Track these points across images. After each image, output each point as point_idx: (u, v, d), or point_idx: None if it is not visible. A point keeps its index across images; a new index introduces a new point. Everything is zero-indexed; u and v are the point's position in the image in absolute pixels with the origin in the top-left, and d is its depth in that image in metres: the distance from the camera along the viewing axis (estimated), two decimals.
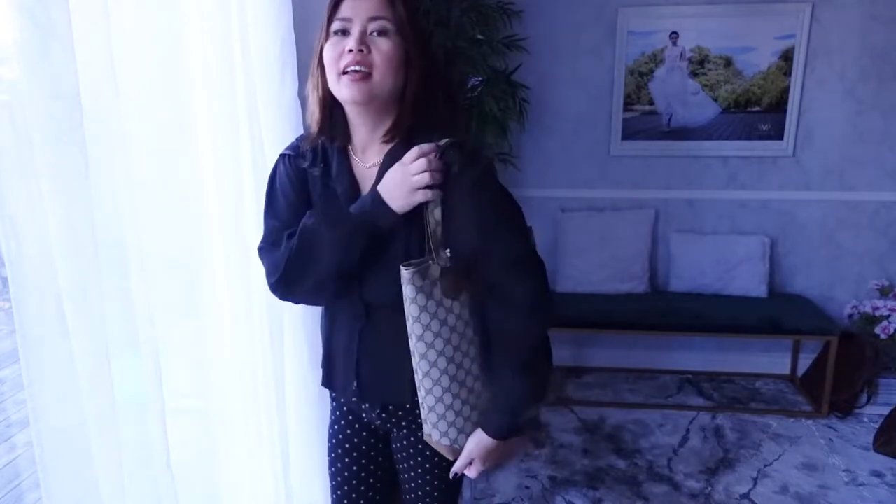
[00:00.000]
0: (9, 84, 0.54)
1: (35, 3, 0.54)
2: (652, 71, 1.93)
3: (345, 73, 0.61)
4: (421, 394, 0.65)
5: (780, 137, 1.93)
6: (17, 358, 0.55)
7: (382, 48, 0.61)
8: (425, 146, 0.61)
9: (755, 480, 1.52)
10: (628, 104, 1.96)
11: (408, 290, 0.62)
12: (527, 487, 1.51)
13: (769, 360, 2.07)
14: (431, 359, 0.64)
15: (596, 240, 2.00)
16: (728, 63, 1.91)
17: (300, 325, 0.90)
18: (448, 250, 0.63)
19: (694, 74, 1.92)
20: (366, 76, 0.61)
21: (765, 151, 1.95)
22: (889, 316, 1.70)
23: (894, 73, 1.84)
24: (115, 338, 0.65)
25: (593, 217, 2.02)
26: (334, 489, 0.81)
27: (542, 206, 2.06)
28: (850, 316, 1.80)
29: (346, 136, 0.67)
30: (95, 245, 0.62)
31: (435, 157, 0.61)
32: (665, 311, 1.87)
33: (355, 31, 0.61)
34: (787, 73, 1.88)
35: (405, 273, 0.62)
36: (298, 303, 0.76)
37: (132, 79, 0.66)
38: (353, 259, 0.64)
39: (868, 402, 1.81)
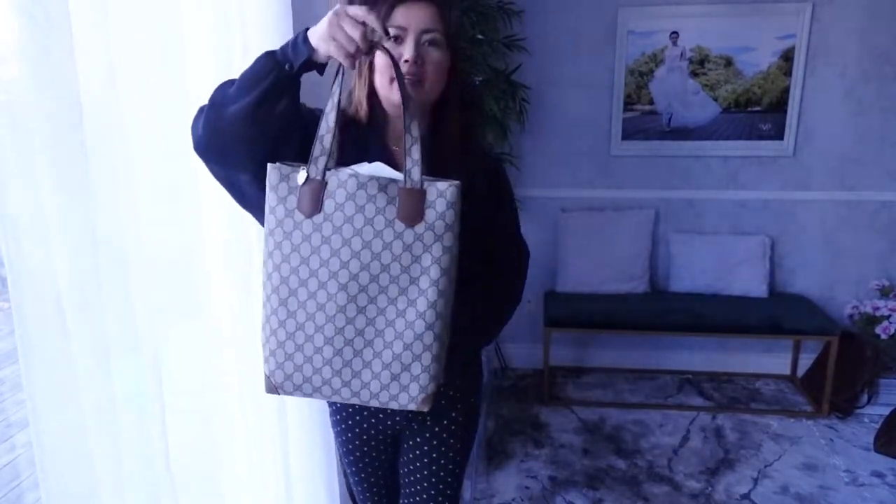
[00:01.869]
0: (8, 84, 0.54)
1: (34, 3, 0.54)
2: (652, 71, 1.93)
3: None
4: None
5: (781, 137, 1.93)
6: (16, 358, 0.55)
7: (434, 59, 0.65)
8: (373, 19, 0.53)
9: (755, 481, 1.52)
10: (628, 104, 1.96)
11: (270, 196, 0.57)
12: (527, 488, 1.51)
13: (769, 360, 2.07)
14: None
15: (596, 240, 1.99)
16: (728, 63, 1.91)
17: None
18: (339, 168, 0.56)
19: (694, 74, 1.92)
20: (417, 83, 0.65)
21: (765, 151, 1.95)
22: (889, 316, 1.70)
23: (895, 73, 1.84)
24: (114, 338, 0.64)
25: (593, 217, 2.01)
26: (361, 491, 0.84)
27: (543, 206, 2.06)
28: (851, 316, 1.80)
29: (385, 127, 0.69)
30: (95, 245, 0.62)
31: (376, 21, 0.53)
32: (665, 311, 1.87)
33: (410, 40, 0.64)
34: (788, 72, 1.88)
35: (269, 169, 0.56)
36: (215, 167, 0.63)
37: (132, 78, 0.66)
38: (257, 96, 0.55)
39: (868, 402, 1.81)
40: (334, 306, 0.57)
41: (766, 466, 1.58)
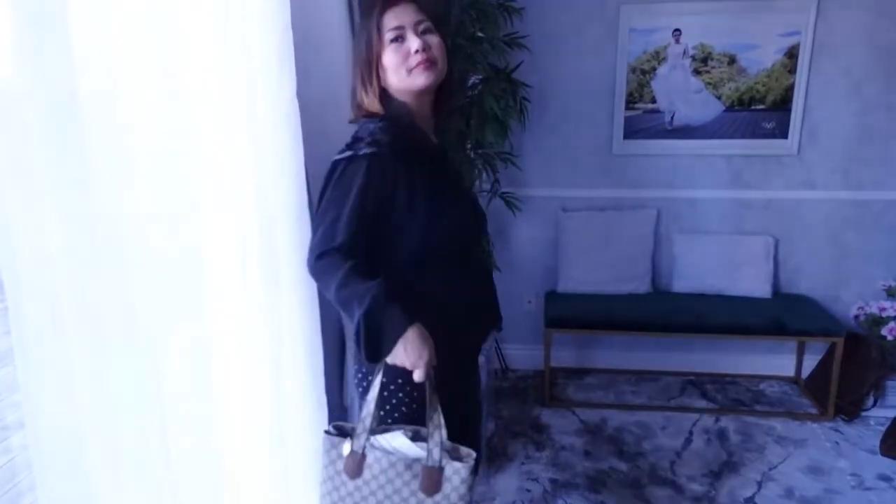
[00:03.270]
0: (5, 82, 0.53)
1: (32, 1, 0.54)
2: (654, 69, 1.92)
3: (415, 66, 0.76)
4: None
5: (785, 136, 1.91)
6: (12, 359, 0.54)
7: (435, 42, 0.78)
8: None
9: (759, 484, 1.51)
10: (630, 102, 1.95)
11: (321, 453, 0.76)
12: (528, 490, 1.50)
13: (773, 361, 2.05)
14: None
15: (598, 240, 1.98)
16: (732, 60, 1.89)
17: (299, 325, 0.89)
18: (373, 436, 0.73)
19: (697, 72, 1.91)
20: (432, 65, 0.77)
21: (769, 150, 1.93)
22: None
23: None
24: (113, 338, 0.64)
25: (595, 217, 2.00)
26: None
27: (544, 206, 2.05)
28: (857, 317, 1.78)
29: (413, 120, 0.81)
30: (93, 244, 0.62)
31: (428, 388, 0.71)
32: (668, 311, 1.85)
33: (410, 34, 0.77)
34: (792, 70, 1.86)
35: (323, 436, 0.76)
36: None
37: (130, 77, 0.66)
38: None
39: (874, 404, 1.79)
40: None
41: (770, 469, 1.56)
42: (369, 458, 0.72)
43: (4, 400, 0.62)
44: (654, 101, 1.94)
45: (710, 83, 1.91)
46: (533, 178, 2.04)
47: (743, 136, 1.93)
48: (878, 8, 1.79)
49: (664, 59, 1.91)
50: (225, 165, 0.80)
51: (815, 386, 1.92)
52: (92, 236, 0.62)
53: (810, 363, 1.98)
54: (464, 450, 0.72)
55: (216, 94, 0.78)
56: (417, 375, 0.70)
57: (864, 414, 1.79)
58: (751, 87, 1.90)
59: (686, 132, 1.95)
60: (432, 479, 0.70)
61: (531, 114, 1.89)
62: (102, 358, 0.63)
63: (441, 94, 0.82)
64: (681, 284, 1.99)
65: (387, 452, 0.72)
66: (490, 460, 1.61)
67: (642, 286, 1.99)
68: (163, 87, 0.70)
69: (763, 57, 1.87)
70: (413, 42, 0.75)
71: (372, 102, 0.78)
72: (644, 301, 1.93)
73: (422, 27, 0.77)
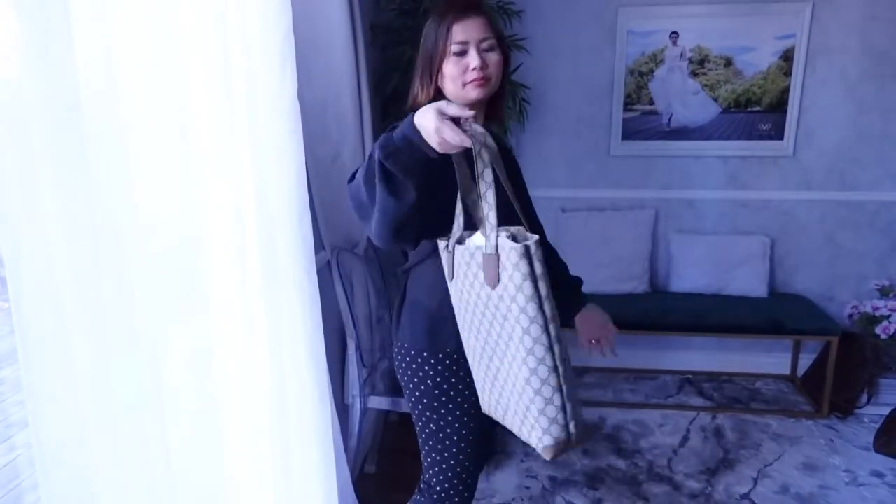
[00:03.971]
0: (7, 83, 0.53)
1: (33, 2, 0.54)
2: (652, 71, 1.93)
3: (470, 82, 0.80)
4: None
5: (781, 137, 1.93)
6: (16, 358, 0.55)
7: (494, 60, 0.82)
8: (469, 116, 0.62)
9: (755, 481, 1.52)
10: (628, 104, 1.96)
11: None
12: (527, 487, 1.51)
13: (769, 360, 2.07)
14: (471, 338, 0.72)
15: (596, 240, 2.00)
16: (728, 63, 1.91)
17: (300, 325, 0.90)
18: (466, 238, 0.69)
19: (694, 74, 1.92)
20: (486, 82, 0.81)
21: (765, 151, 1.95)
22: (889, 316, 1.70)
23: (895, 72, 1.84)
24: (114, 338, 0.64)
25: (593, 217, 2.01)
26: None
27: (543, 207, 2.04)
28: (851, 316, 1.80)
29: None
30: (94, 244, 0.62)
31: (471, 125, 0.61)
32: (665, 311, 1.87)
33: (472, 51, 0.80)
34: (788, 72, 1.88)
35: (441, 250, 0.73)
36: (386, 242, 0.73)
37: (132, 78, 0.66)
38: (403, 179, 0.64)
39: (868, 402, 1.81)
40: (479, 350, 0.71)
41: (765, 466, 1.57)
42: (456, 256, 0.69)
43: (9, 399, 0.63)
44: (651, 102, 1.96)
45: (706, 85, 1.93)
46: (532, 178, 2.02)
47: (739, 138, 1.95)
48: (872, 11, 1.81)
49: (662, 61, 1.92)
50: (225, 165, 0.81)
51: (810, 384, 1.93)
52: (94, 236, 0.62)
53: (805, 362, 2.00)
54: (530, 235, 0.64)
55: (216, 95, 0.78)
56: (451, 135, 0.58)
57: (858, 412, 1.80)
58: (747, 90, 1.91)
59: (683, 133, 1.97)
60: (492, 269, 0.62)
61: (530, 115, 1.90)
62: (103, 357, 0.63)
63: (494, 99, 0.86)
64: (678, 284, 2.01)
65: (467, 247, 0.67)
66: (490, 458, 1.62)
67: (640, 286, 2.01)
68: (163, 88, 0.71)
69: (759, 59, 1.88)
70: (473, 59, 0.79)
71: (424, 101, 0.82)
72: (642, 300, 1.95)
73: (485, 44, 0.80)
